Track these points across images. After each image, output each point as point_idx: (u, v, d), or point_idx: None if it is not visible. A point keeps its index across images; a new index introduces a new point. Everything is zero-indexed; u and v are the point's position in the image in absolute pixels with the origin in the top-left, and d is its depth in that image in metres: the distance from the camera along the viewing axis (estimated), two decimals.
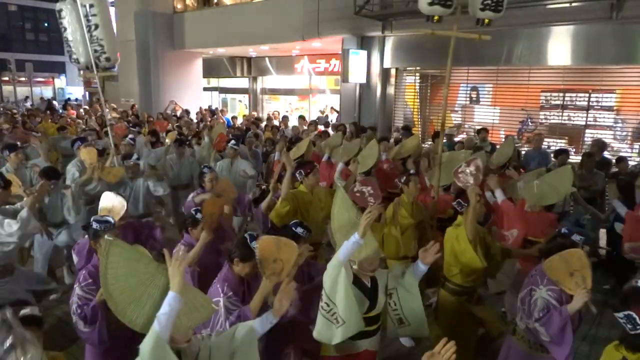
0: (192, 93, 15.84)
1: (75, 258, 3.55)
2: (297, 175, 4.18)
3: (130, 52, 14.75)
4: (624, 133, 8.88)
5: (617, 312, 2.02)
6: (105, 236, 2.18)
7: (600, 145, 7.00)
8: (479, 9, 4.12)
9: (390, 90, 10.66)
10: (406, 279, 2.83)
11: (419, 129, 11.44)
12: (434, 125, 11.33)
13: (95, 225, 3.02)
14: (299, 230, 3.07)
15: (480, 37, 4.44)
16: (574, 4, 7.31)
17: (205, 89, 17.86)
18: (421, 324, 2.82)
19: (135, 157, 5.48)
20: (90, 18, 5.70)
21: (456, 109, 11.29)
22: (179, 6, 15.56)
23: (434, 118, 11.59)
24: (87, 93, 22.93)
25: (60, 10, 5.87)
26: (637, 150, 8.38)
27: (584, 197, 5.62)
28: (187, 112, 13.56)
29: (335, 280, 2.53)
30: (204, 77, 17.04)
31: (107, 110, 14.23)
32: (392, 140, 8.30)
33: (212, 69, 17.42)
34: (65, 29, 5.90)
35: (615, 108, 8.93)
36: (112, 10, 7.13)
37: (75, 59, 5.98)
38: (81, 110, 15.51)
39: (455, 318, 3.35)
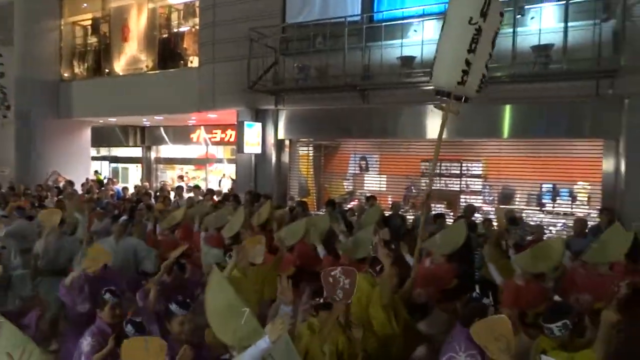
0: (79, 163, 14.95)
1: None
2: (226, 257, 4.04)
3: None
4: (491, 197, 10.02)
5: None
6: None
7: (471, 210, 7.84)
8: (475, 90, 4.64)
9: (285, 159, 11.03)
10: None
11: (314, 197, 11.86)
12: (328, 193, 11.84)
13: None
14: (173, 306, 2.98)
15: (458, 112, 5.02)
16: None
17: (94, 158, 16.99)
18: None
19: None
20: None
21: (347, 177, 11.96)
22: (67, 74, 15.02)
23: (327, 186, 12.12)
24: None
25: None
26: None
27: None
28: (70, 183, 12.72)
29: None
30: (93, 146, 16.26)
31: None
32: (287, 208, 8.53)
33: (102, 137, 16.72)
34: None
35: (482, 175, 10.10)
36: None
37: None
38: None
39: None
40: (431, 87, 8.40)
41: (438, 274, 4.81)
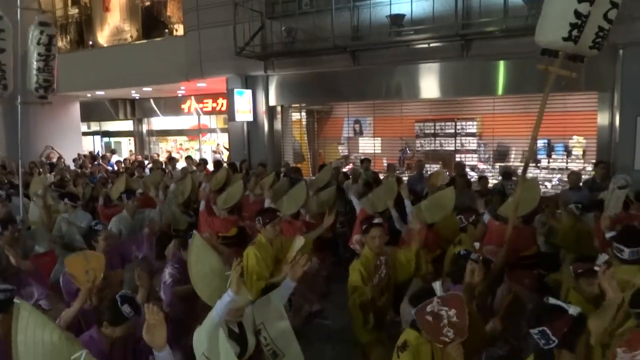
0: (69, 139, 14.75)
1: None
2: (257, 222, 3.95)
3: None
4: (487, 155, 9.99)
5: (532, 328, 2.05)
6: (15, 300, 2.14)
7: (460, 167, 7.85)
8: (589, 47, 3.95)
9: (278, 126, 10.91)
10: (272, 305, 2.84)
11: (309, 163, 11.81)
12: (323, 158, 11.79)
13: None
14: None
15: (572, 74, 4.14)
16: (432, 45, 8.16)
17: (85, 133, 16.79)
18: (295, 352, 2.83)
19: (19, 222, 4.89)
20: None
21: (342, 141, 11.88)
22: None
23: (322, 151, 12.06)
24: None
25: None
26: (497, 170, 9.42)
27: None
28: (59, 158, 12.65)
29: (215, 342, 2.47)
30: (83, 121, 16.01)
31: None
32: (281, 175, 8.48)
33: (91, 112, 16.48)
34: None
35: (477, 134, 10.03)
36: None
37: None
38: None
39: None
40: (423, 45, 8.32)
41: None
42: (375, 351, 3.41)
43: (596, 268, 2.84)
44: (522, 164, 9.08)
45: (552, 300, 2.10)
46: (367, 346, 3.47)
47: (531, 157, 4.48)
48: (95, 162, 12.68)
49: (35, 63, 6.14)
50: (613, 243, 3.29)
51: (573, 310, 1.99)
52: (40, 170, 10.68)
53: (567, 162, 9.02)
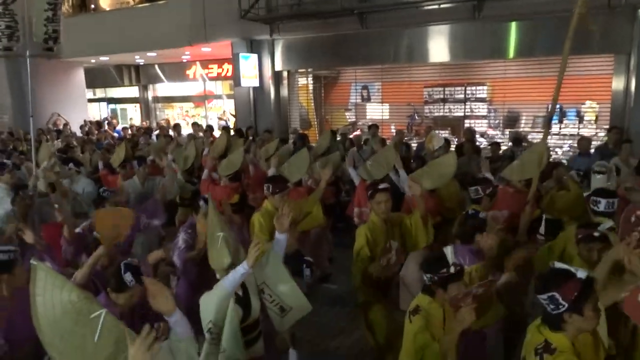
0: (75, 105, 14.65)
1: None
2: (265, 189, 3.94)
3: None
4: (497, 121, 9.81)
5: (540, 294, 2.00)
6: (31, 260, 2.01)
7: (470, 133, 7.72)
8: None
9: (284, 92, 10.75)
10: (269, 262, 2.83)
11: (316, 129, 11.69)
12: (330, 124, 11.66)
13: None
14: None
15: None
16: (442, 6, 7.90)
17: (91, 100, 16.67)
18: (301, 302, 2.83)
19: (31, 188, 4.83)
20: None
21: (349, 107, 11.72)
22: None
23: (329, 118, 11.91)
24: None
25: None
26: (508, 136, 9.27)
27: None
28: (65, 124, 12.62)
29: (224, 310, 2.48)
30: (88, 87, 15.87)
31: None
32: (290, 142, 8.41)
33: (96, 78, 16.29)
34: None
35: (487, 99, 9.83)
36: None
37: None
38: None
39: None
40: (433, 6, 8.05)
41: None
42: (374, 311, 3.45)
43: (596, 234, 2.82)
44: (533, 130, 9.03)
45: (558, 265, 2.06)
46: (364, 306, 3.52)
47: (551, 117, 4.22)
48: (101, 129, 12.64)
49: (44, 13, 5.84)
50: (590, 198, 3.44)
51: (581, 273, 1.94)
52: (48, 137, 10.67)
53: (578, 128, 8.84)
